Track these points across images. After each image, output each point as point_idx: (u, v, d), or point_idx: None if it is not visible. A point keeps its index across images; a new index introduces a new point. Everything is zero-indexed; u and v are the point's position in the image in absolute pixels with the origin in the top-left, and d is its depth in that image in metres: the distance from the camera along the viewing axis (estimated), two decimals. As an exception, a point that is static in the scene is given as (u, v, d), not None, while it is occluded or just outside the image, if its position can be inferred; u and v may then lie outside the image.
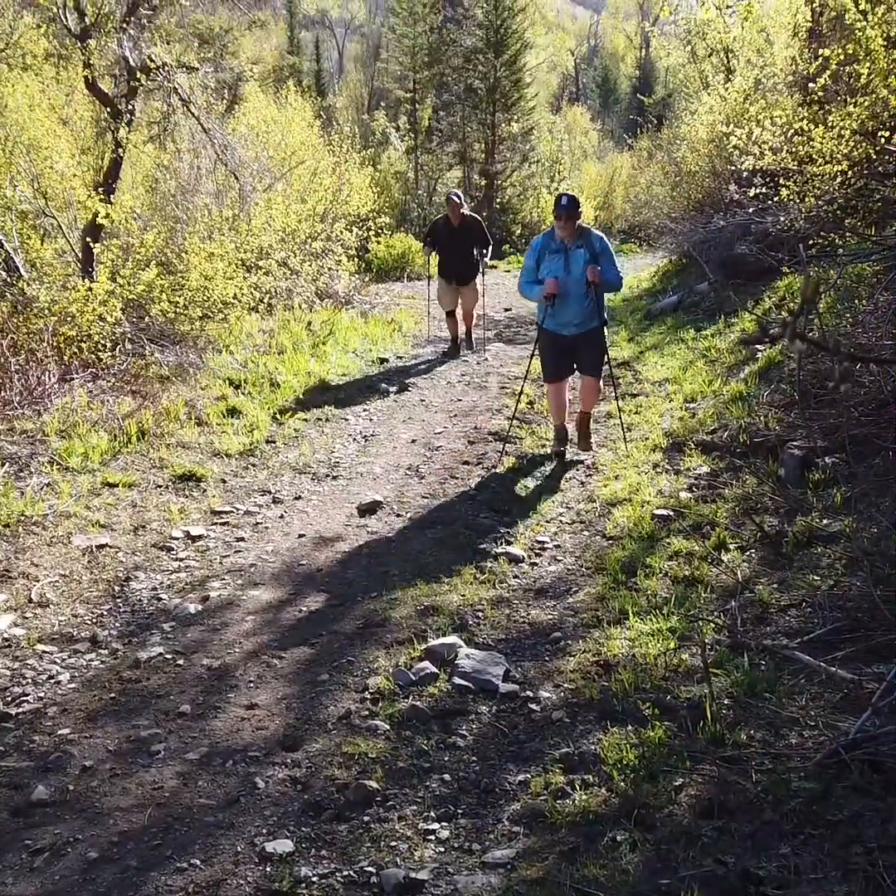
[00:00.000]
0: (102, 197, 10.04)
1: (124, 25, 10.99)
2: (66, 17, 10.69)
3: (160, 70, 11.15)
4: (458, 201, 11.83)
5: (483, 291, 12.88)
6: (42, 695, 4.48)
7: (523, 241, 30.59)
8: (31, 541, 6.01)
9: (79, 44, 10.59)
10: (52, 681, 4.62)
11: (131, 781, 3.75)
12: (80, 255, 10.45)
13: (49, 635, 5.06)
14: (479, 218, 12.43)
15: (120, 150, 10.87)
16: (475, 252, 11.96)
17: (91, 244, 10.08)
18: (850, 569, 4.86)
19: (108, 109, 10.97)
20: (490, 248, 12.14)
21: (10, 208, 10.00)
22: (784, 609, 4.71)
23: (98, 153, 12.29)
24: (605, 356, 7.98)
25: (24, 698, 4.44)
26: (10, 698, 4.44)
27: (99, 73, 11.05)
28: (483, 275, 12.43)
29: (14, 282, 9.41)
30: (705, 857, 3.05)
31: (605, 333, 7.80)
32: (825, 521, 5.43)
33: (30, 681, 4.60)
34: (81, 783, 3.74)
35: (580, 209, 7.43)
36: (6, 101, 10.37)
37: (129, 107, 10.98)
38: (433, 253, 12.43)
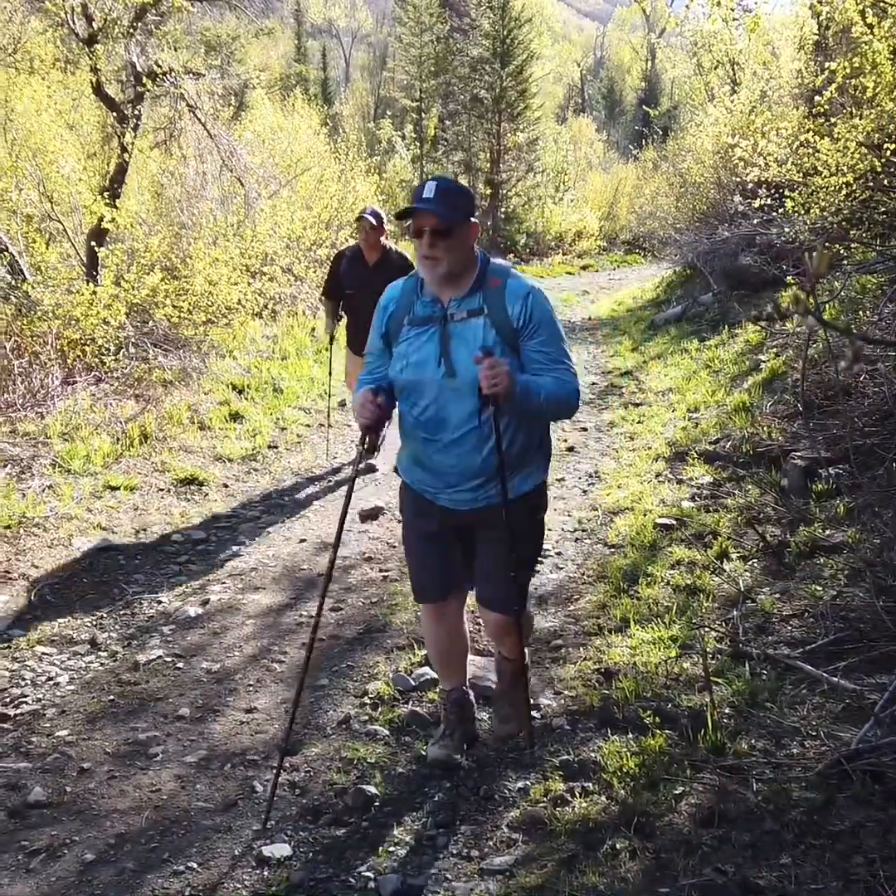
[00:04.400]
0: (108, 201, 10.07)
1: (132, 31, 11.04)
2: (73, 23, 10.73)
3: (167, 76, 11.20)
4: (375, 224, 7.41)
5: None
6: (41, 696, 4.47)
7: (527, 251, 30.64)
8: (31, 542, 6.01)
9: (86, 49, 10.64)
10: (51, 682, 4.60)
11: (129, 784, 3.73)
12: (84, 259, 10.48)
13: (48, 637, 5.05)
14: (406, 254, 7.69)
15: (126, 155, 10.91)
16: None
17: (96, 248, 10.10)
18: (853, 579, 4.84)
19: (115, 114, 11.01)
20: None
21: (15, 212, 10.02)
22: (786, 619, 4.69)
23: (104, 158, 12.31)
24: (536, 560, 4.15)
25: (23, 699, 4.43)
26: (8, 699, 4.43)
27: (106, 79, 11.09)
28: None
29: (19, 285, 9.43)
30: (705, 866, 3.03)
31: (541, 507, 3.79)
32: (828, 532, 5.41)
33: (29, 682, 4.59)
34: (79, 785, 3.73)
35: (473, 219, 3.43)
36: (13, 105, 10.40)
37: (136, 112, 11.03)
38: (337, 312, 8.03)
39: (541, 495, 3.72)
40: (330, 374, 9.00)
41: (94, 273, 10.18)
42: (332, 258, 8.26)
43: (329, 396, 9.15)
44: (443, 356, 3.39)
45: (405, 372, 3.48)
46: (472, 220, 3.41)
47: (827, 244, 8.25)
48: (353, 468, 3.98)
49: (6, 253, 9.66)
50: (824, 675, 4.00)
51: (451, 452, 3.48)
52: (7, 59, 10.89)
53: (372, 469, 7.84)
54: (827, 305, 8.00)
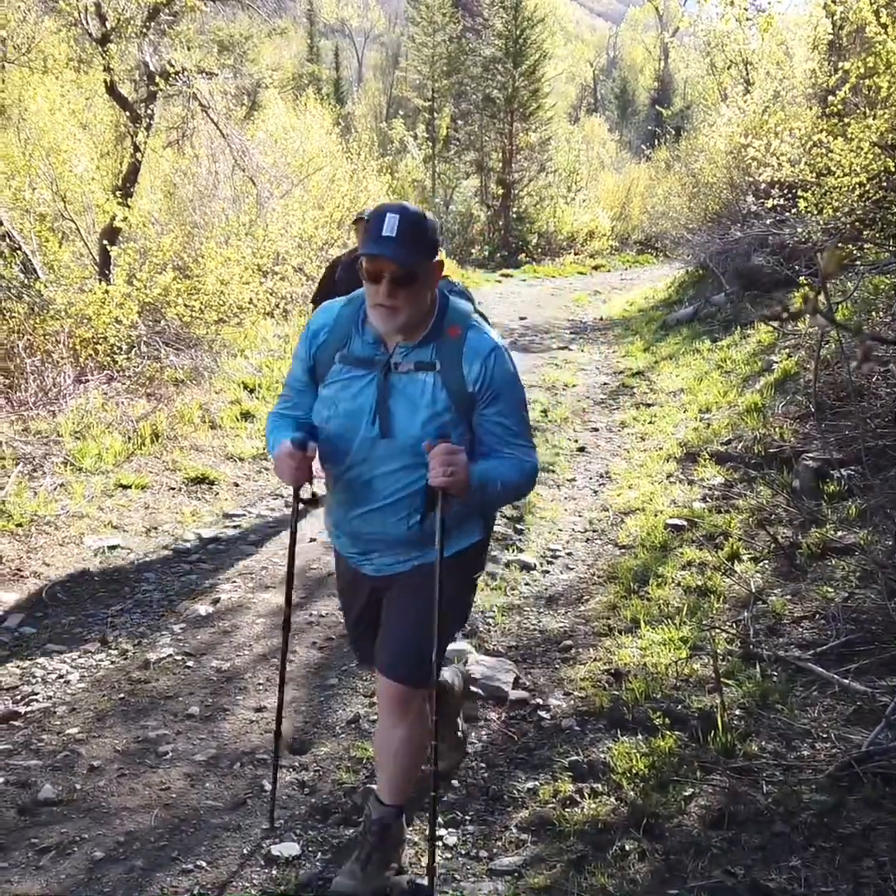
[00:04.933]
0: (120, 201, 10.09)
1: (145, 31, 11.07)
2: (87, 22, 10.76)
3: (180, 75, 11.22)
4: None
5: None
6: (51, 694, 4.48)
7: (539, 251, 30.61)
8: (43, 540, 6.03)
9: (99, 48, 10.67)
10: (62, 680, 4.61)
11: (139, 782, 3.74)
12: (97, 258, 10.50)
13: (59, 635, 5.06)
14: None
15: (139, 154, 10.94)
16: None
17: (108, 247, 10.12)
18: (865, 581, 4.82)
19: (128, 114, 11.04)
20: None
21: (29, 211, 10.05)
22: (797, 620, 4.67)
23: (117, 157, 12.35)
24: (460, 628, 3.85)
25: (34, 697, 4.44)
26: (19, 697, 4.44)
27: (119, 78, 11.12)
28: None
29: (31, 284, 9.45)
30: (714, 868, 3.02)
31: (476, 567, 3.24)
32: (840, 533, 5.39)
33: (39, 680, 4.60)
34: (89, 783, 3.73)
35: (435, 254, 2.83)
36: (27, 104, 10.44)
37: (149, 111, 11.05)
38: None
39: (478, 555, 3.18)
40: None
41: (107, 272, 10.21)
42: (327, 265, 7.26)
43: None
44: (378, 412, 2.83)
45: (332, 422, 2.90)
46: (436, 258, 2.82)
47: (839, 245, 8.22)
48: (292, 524, 3.28)
49: (19, 251, 9.69)
50: (835, 677, 3.99)
51: (373, 521, 2.94)
52: (21, 58, 10.90)
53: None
54: (840, 306, 7.97)
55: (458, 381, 2.82)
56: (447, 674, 3.63)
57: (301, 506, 3.31)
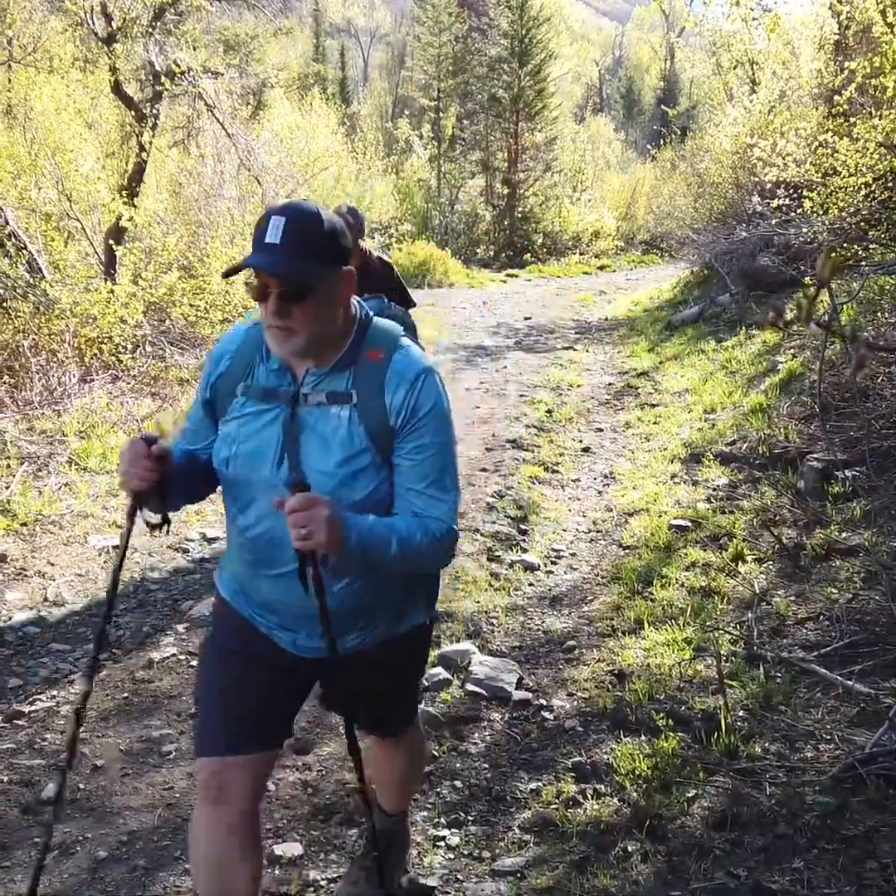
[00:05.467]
0: (126, 200, 10.11)
1: (150, 30, 11.09)
2: (93, 22, 10.78)
3: (185, 75, 11.24)
4: (351, 223, 5.46)
5: None
6: (55, 693, 4.48)
7: (544, 250, 30.59)
8: (47, 540, 6.03)
9: (105, 48, 10.69)
10: (66, 680, 4.62)
11: (142, 781, 3.74)
12: (102, 257, 10.52)
13: (63, 634, 5.07)
14: (391, 263, 6.32)
15: (144, 154, 10.96)
16: None
17: (114, 247, 10.14)
18: (869, 582, 4.82)
19: (134, 113, 11.07)
20: (412, 309, 5.30)
21: (35, 210, 10.07)
22: (801, 622, 4.67)
23: (122, 157, 12.38)
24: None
25: (38, 696, 4.44)
26: (23, 696, 4.44)
27: (125, 78, 11.15)
28: None
29: (37, 283, 9.47)
30: (717, 870, 3.02)
31: (417, 656, 2.77)
32: (844, 535, 5.38)
33: (43, 679, 4.60)
34: (92, 782, 3.74)
35: (341, 261, 2.29)
36: (33, 104, 10.46)
37: (154, 111, 11.07)
38: None
39: (415, 643, 2.65)
40: None
41: (112, 271, 10.23)
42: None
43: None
44: (286, 453, 2.32)
45: (232, 465, 2.38)
46: (345, 267, 2.30)
47: (843, 246, 8.22)
48: (122, 541, 2.65)
49: (25, 251, 9.71)
50: (839, 678, 3.98)
51: (282, 586, 2.37)
52: (27, 57, 10.94)
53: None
54: (844, 307, 7.96)
55: (378, 413, 2.30)
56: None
57: (143, 525, 2.58)
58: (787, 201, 9.98)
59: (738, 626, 4.74)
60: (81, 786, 3.71)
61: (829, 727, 3.71)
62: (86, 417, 7.87)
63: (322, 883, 3.15)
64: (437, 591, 2.71)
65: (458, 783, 3.71)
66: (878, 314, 7.69)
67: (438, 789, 3.68)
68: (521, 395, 10.57)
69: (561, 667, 4.65)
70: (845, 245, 8.48)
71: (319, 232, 2.22)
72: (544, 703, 4.30)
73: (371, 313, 2.46)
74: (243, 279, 11.13)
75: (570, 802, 3.49)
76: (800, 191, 9.74)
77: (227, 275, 2.31)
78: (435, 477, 2.32)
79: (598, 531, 6.56)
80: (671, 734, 3.77)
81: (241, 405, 2.39)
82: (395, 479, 2.34)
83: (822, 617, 4.66)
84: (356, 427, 2.30)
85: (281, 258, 2.16)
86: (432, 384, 2.35)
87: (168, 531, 2.69)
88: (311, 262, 2.20)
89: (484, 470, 7.85)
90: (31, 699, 4.42)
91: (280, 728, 2.62)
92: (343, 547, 2.16)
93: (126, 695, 4.45)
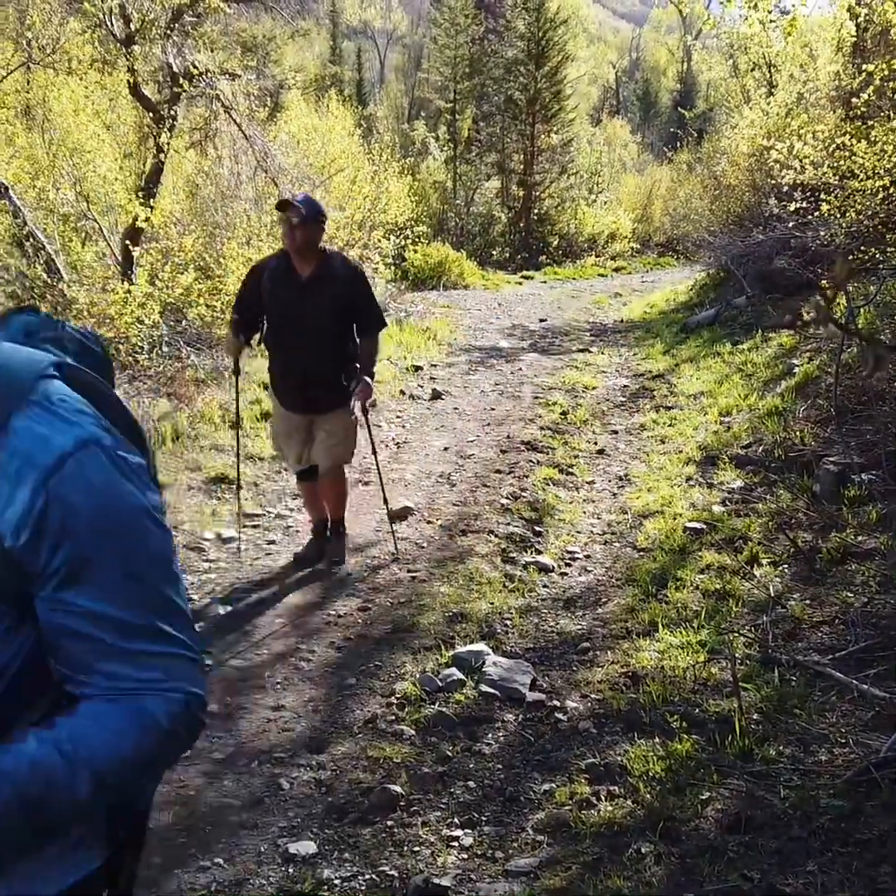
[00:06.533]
0: (143, 201, 10.16)
1: (168, 32, 11.14)
2: (111, 23, 10.84)
3: (203, 76, 11.29)
4: (305, 215, 5.21)
5: (373, 437, 6.38)
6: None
7: (560, 252, 30.57)
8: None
9: (123, 50, 10.75)
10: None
11: (157, 779, 3.76)
12: (119, 258, 10.57)
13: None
14: (356, 263, 5.78)
15: (161, 155, 11.01)
16: (348, 340, 5.58)
17: (131, 247, 10.19)
18: (885, 586, 4.80)
19: (151, 115, 11.12)
20: (381, 331, 5.67)
21: (52, 211, 10.13)
22: (816, 625, 4.66)
23: (140, 158, 12.44)
24: None
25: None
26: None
27: (143, 79, 11.20)
28: (366, 408, 5.73)
29: (54, 283, 9.53)
30: (731, 872, 3.01)
31: None
32: (860, 538, 5.36)
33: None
34: (108, 779, 3.76)
35: None
36: (52, 105, 10.53)
37: (172, 112, 11.13)
38: (251, 342, 5.80)
39: None
40: (237, 421, 6.65)
41: (129, 272, 10.28)
42: (247, 270, 6.00)
43: (238, 453, 6.56)
44: None
45: None
46: None
47: (860, 249, 8.19)
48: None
49: (43, 251, 9.77)
50: (854, 682, 3.97)
51: None
52: (46, 59, 11.00)
53: (317, 558, 6.02)
54: (861, 310, 7.93)
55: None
56: None
57: None
58: (804, 204, 9.95)
59: (752, 629, 4.74)
60: (97, 783, 3.73)
61: (843, 731, 3.70)
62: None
63: (336, 881, 3.17)
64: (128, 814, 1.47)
65: (471, 784, 3.72)
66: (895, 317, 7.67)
67: (452, 789, 3.68)
68: (536, 397, 10.57)
69: (575, 668, 4.65)
70: (863, 248, 8.44)
71: None
72: (558, 704, 4.30)
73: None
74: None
75: (584, 804, 3.50)
76: (817, 193, 9.72)
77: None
78: (135, 624, 1.28)
79: (612, 533, 6.56)
80: (685, 736, 3.77)
81: None
82: (63, 648, 1.28)
83: (837, 620, 4.64)
84: None
85: None
86: (82, 477, 1.27)
87: None
88: None
89: (499, 471, 7.85)
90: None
91: None
92: None
93: (141, 693, 4.48)
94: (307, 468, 5.88)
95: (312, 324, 5.36)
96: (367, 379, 5.47)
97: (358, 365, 5.52)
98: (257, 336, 5.72)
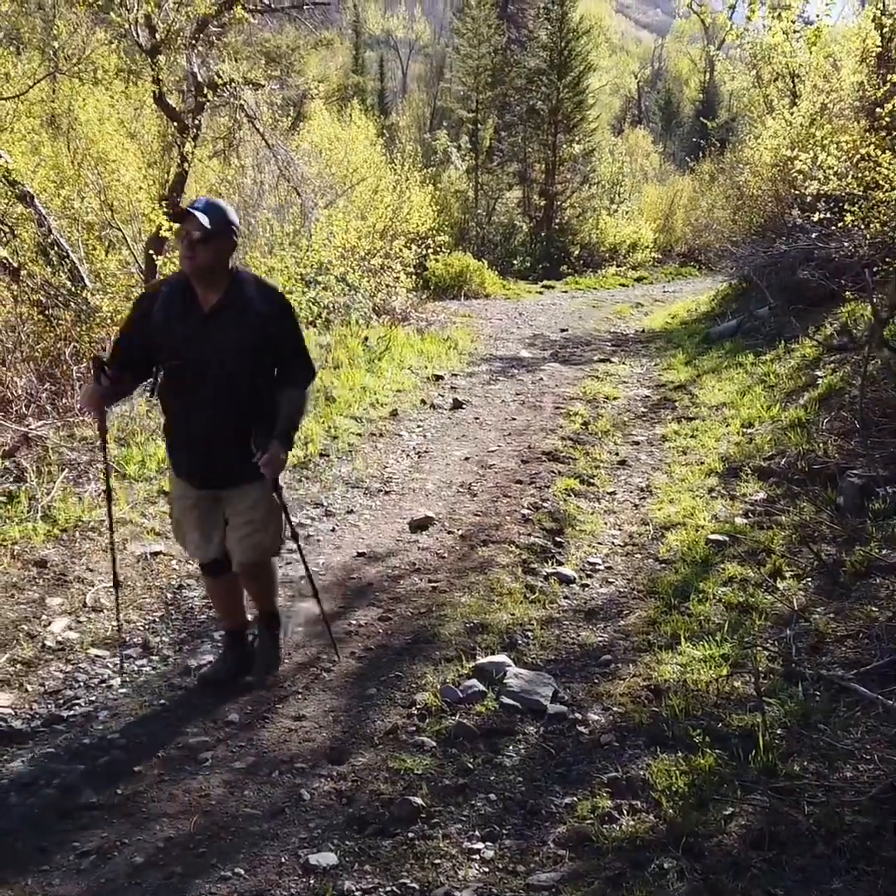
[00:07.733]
0: (167, 210, 10.19)
1: (193, 42, 11.23)
2: (137, 34, 10.93)
3: (227, 86, 11.37)
4: (208, 229, 3.96)
5: (291, 521, 4.61)
6: (94, 699, 4.53)
7: (581, 262, 30.53)
8: (87, 546, 6.09)
9: (149, 59, 10.84)
10: (104, 685, 4.66)
11: (178, 788, 3.77)
12: (143, 266, 10.62)
13: (102, 640, 5.12)
14: (274, 288, 4.47)
15: (185, 164, 11.08)
16: (267, 390, 4.26)
17: (154, 256, 10.24)
18: (910, 601, 4.76)
19: (175, 124, 11.20)
20: (311, 381, 4.40)
21: (77, 219, 10.19)
22: (840, 639, 4.62)
23: (164, 167, 12.51)
24: None
25: (76, 701, 4.49)
26: (62, 701, 4.49)
27: (167, 89, 11.29)
28: (279, 487, 4.32)
29: (78, 291, 9.57)
30: (754, 889, 2.99)
31: None
32: (884, 552, 5.32)
33: (82, 684, 4.65)
34: (129, 788, 3.77)
35: None
36: (77, 114, 10.60)
37: (196, 122, 11.20)
38: (126, 384, 4.41)
39: None
40: (108, 494, 4.73)
41: (152, 280, 10.33)
42: (136, 297, 4.75)
43: (111, 528, 4.83)
44: None
45: None
46: None
47: (885, 260, 8.14)
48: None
49: (67, 260, 9.82)
50: (879, 697, 3.93)
51: None
52: (72, 68, 11.08)
53: (234, 668, 4.71)
54: (889, 322, 7.88)
55: None
56: None
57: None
58: (827, 215, 9.90)
59: (776, 642, 4.70)
60: (119, 791, 3.74)
61: (868, 746, 3.66)
62: (125, 425, 7.95)
63: (356, 893, 3.16)
64: None
65: (492, 796, 3.70)
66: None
67: (473, 802, 3.67)
68: (557, 408, 10.55)
69: (596, 681, 4.63)
70: (888, 260, 8.39)
71: None
72: (580, 716, 4.28)
73: None
74: (280, 288, 11.21)
75: (606, 818, 3.48)
76: (841, 204, 9.66)
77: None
78: None
79: (634, 544, 6.53)
80: (708, 751, 3.74)
81: None
82: None
83: (861, 635, 4.61)
84: None
85: None
86: None
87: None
88: None
89: (519, 482, 7.84)
90: (69, 704, 4.46)
91: None
92: None
93: (163, 701, 4.49)
94: (212, 560, 4.52)
95: (218, 369, 4.08)
96: (278, 443, 4.13)
97: (272, 425, 4.17)
98: (149, 384, 4.33)
